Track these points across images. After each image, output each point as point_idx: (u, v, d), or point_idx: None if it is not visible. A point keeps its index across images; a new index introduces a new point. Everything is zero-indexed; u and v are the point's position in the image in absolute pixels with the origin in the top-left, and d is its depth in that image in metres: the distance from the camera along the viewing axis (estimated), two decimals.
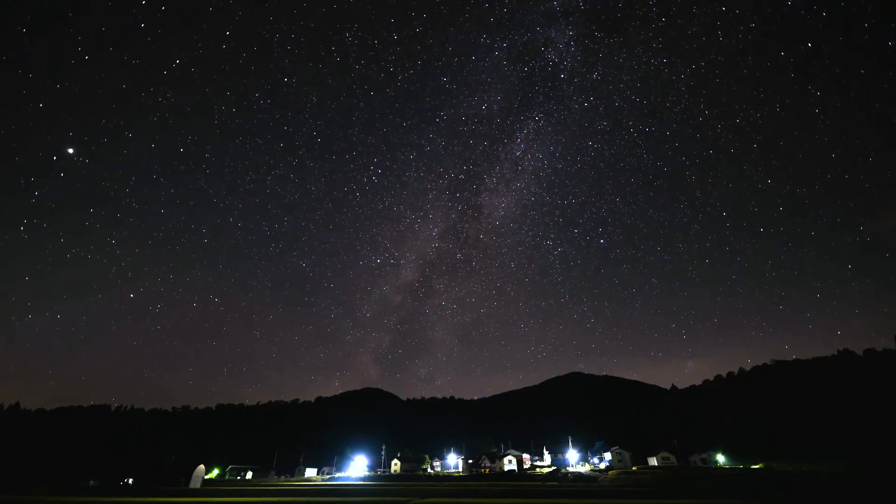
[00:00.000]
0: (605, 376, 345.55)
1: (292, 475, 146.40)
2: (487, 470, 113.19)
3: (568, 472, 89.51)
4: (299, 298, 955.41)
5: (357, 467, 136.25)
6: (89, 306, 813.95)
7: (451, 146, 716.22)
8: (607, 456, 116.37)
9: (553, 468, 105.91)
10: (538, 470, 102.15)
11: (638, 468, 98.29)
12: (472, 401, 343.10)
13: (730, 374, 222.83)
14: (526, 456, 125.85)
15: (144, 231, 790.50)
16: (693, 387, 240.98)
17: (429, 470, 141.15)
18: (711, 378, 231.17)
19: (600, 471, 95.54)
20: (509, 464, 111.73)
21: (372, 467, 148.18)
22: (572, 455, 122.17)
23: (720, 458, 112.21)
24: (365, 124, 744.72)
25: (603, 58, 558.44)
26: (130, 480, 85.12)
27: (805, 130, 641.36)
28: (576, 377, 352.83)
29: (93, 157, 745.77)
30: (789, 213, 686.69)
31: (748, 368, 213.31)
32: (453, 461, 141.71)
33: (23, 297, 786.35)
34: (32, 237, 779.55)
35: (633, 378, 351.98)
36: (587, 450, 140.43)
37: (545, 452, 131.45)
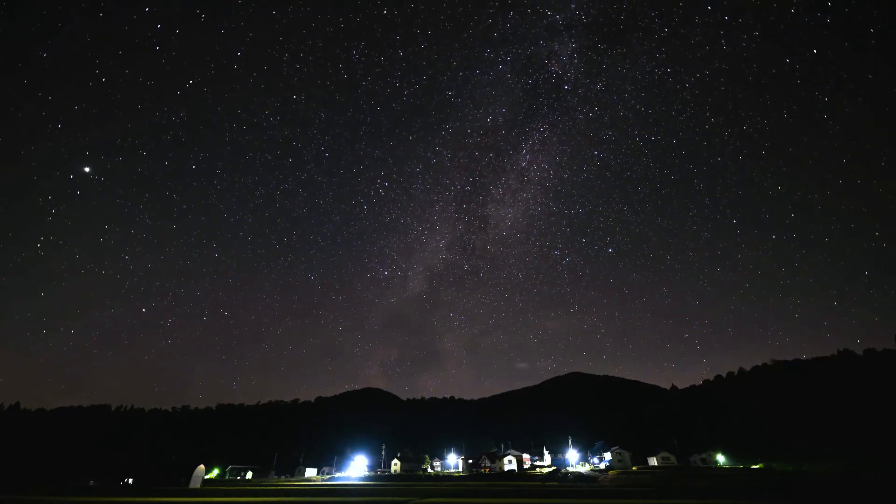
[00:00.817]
0: (605, 376, 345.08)
1: (292, 475, 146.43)
2: (487, 470, 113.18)
3: (568, 472, 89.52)
4: (307, 311, 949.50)
5: (357, 467, 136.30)
6: (102, 321, 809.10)
7: (457, 158, 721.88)
8: (607, 456, 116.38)
9: (553, 468, 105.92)
10: (538, 470, 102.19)
11: (638, 468, 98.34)
12: (472, 401, 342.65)
13: (730, 374, 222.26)
14: (526, 456, 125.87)
15: (157, 246, 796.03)
16: (693, 387, 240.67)
17: (429, 470, 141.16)
18: (711, 378, 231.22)
19: (600, 471, 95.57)
20: (509, 464, 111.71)
21: (372, 467, 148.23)
22: (572, 455, 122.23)
23: (720, 458, 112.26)
24: (372, 138, 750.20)
25: (606, 69, 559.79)
26: (130, 480, 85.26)
27: (813, 136, 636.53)
28: (576, 377, 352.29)
29: (108, 176, 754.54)
30: (801, 219, 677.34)
31: (748, 368, 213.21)
32: (453, 461, 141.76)
33: (38, 312, 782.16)
34: (48, 254, 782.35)
35: (632, 378, 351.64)
36: (587, 450, 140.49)
37: (545, 452, 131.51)
